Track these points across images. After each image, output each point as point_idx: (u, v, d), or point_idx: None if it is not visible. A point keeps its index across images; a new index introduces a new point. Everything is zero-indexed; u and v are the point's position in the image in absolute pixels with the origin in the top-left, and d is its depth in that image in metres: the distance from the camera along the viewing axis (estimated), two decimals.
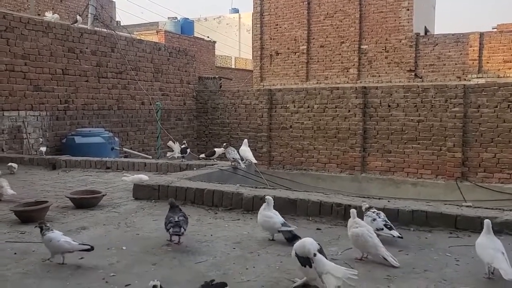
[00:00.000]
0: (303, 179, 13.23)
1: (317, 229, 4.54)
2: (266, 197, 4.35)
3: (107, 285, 3.14)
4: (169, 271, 3.41)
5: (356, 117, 13.14)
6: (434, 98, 12.24)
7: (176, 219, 3.92)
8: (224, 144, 8.04)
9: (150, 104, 13.63)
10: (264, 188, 6.35)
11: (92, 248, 3.56)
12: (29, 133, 10.10)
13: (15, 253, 3.74)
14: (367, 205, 4.31)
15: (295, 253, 3.09)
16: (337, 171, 13.49)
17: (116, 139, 11.34)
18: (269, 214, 4.18)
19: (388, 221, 4.11)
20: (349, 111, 13.28)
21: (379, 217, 4.10)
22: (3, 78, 9.63)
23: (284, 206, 5.02)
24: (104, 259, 3.63)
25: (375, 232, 3.83)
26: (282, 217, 4.86)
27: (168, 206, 4.19)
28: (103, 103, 12.21)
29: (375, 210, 4.21)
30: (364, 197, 5.19)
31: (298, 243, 3.13)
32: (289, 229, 4.06)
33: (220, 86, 18.21)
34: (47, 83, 10.64)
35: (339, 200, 4.81)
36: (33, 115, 10.29)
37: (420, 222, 4.52)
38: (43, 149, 9.33)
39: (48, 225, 3.69)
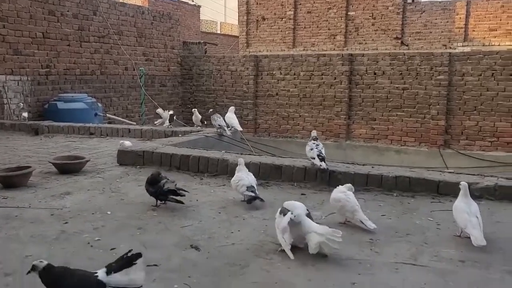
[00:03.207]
0: (289, 146, 13.28)
1: (302, 194, 4.58)
2: (238, 159, 4.48)
3: (92, 249, 3.14)
4: (154, 235, 3.42)
5: (342, 84, 13.11)
6: (420, 66, 12.24)
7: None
8: (210, 110, 7.97)
9: (134, 70, 13.39)
10: (250, 154, 6.35)
11: None
12: (10, 98, 9.87)
13: None
14: (315, 135, 4.90)
15: (283, 206, 3.19)
16: (322, 139, 13.54)
17: (100, 105, 11.16)
18: (239, 176, 4.28)
19: (323, 153, 4.71)
20: (335, 78, 13.23)
21: (317, 148, 4.72)
22: None
23: (270, 172, 5.06)
24: (89, 224, 3.62)
25: (310, 159, 4.77)
26: (267, 182, 4.94)
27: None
28: (86, 68, 11.94)
29: (316, 142, 4.77)
30: (348, 164, 5.24)
31: (288, 202, 3.25)
32: (251, 194, 4.13)
33: (205, 52, 17.92)
34: (27, 47, 10.33)
35: (324, 166, 4.82)
36: (14, 80, 10.03)
37: (403, 187, 4.59)
38: (25, 114, 9.16)
39: None
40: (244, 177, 4.25)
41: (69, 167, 5.38)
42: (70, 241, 3.28)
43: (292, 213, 3.07)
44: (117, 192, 4.57)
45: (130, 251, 2.26)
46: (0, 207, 4.01)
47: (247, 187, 4.16)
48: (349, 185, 3.77)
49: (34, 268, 2.18)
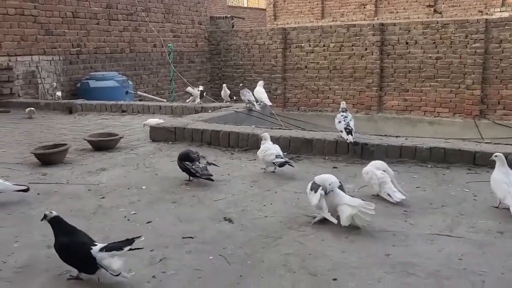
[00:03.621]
0: (319, 120, 13.13)
1: (334, 167, 4.55)
2: (263, 134, 4.59)
3: (128, 222, 3.23)
4: (189, 209, 3.48)
5: (373, 55, 12.79)
6: (454, 34, 11.79)
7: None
8: (240, 85, 7.95)
9: (162, 47, 13.43)
10: (280, 129, 6.33)
11: (27, 189, 3.63)
12: (44, 78, 10.10)
13: (38, 194, 3.84)
14: (344, 107, 4.86)
15: (313, 181, 3.19)
16: (353, 112, 13.33)
17: (130, 82, 11.30)
18: (266, 146, 4.39)
19: (351, 126, 4.65)
20: (366, 49, 12.92)
21: (344, 121, 4.68)
22: (13, 22, 9.49)
23: (301, 146, 5.04)
24: (125, 198, 3.71)
25: (339, 133, 4.75)
26: (298, 156, 4.94)
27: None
28: (115, 46, 12.06)
29: (344, 114, 4.74)
30: (381, 136, 5.16)
31: (320, 176, 3.23)
32: (282, 160, 4.25)
33: (233, 26, 17.75)
34: (58, 26, 10.48)
35: (356, 139, 4.77)
36: (46, 60, 10.23)
37: (438, 159, 4.51)
38: (59, 93, 9.36)
39: None
40: (271, 146, 4.38)
41: (103, 144, 5.50)
42: (107, 215, 3.38)
43: (322, 189, 3.06)
44: (151, 168, 4.66)
45: (138, 237, 2.35)
46: (40, 183, 4.15)
47: (276, 155, 4.27)
48: (379, 163, 3.71)
49: (45, 216, 2.52)
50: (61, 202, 3.67)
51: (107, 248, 2.30)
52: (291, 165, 4.28)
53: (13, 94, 9.33)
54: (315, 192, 3.09)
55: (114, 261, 2.27)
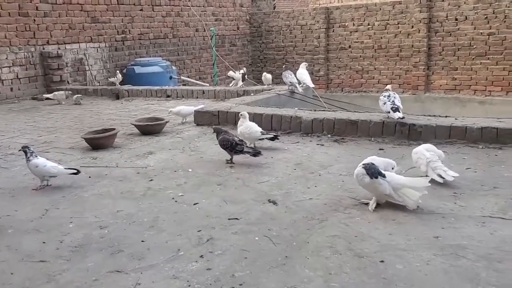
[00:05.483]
0: (363, 101, 12.84)
1: (380, 149, 4.47)
2: (241, 113, 4.71)
3: (176, 204, 3.31)
4: (234, 191, 3.53)
5: (420, 33, 12.35)
6: (509, 7, 11.15)
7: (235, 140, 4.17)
8: (284, 66, 7.88)
9: (204, 31, 13.49)
10: (323, 111, 6.26)
11: (78, 172, 3.75)
12: (91, 65, 10.41)
13: (90, 177, 3.99)
14: (389, 88, 4.85)
15: (368, 166, 3.04)
16: (399, 92, 12.98)
17: (174, 67, 11.46)
18: (247, 125, 4.57)
19: (397, 104, 4.55)
20: (412, 27, 12.48)
21: (389, 101, 4.58)
22: (62, 11, 9.81)
23: (345, 128, 4.97)
24: (172, 181, 3.80)
25: (386, 113, 4.65)
26: (342, 138, 4.89)
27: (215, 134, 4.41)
28: (159, 31, 12.23)
29: (388, 94, 4.65)
30: (429, 116, 5.00)
31: (373, 158, 3.15)
32: (268, 136, 4.52)
33: (274, 7, 17.58)
34: (103, 14, 10.73)
35: (403, 120, 4.65)
36: (93, 47, 10.53)
37: (489, 139, 4.34)
38: (113, 79, 9.80)
39: (32, 149, 3.80)
40: (251, 124, 4.60)
41: (150, 129, 5.63)
42: (156, 197, 3.47)
43: (385, 177, 2.98)
44: (196, 151, 4.74)
45: None
46: (91, 166, 4.32)
47: (261, 132, 4.52)
48: (430, 146, 3.64)
49: None
50: (112, 184, 3.80)
51: None
52: (278, 139, 4.58)
53: (63, 81, 9.68)
54: (375, 178, 2.96)
55: None
